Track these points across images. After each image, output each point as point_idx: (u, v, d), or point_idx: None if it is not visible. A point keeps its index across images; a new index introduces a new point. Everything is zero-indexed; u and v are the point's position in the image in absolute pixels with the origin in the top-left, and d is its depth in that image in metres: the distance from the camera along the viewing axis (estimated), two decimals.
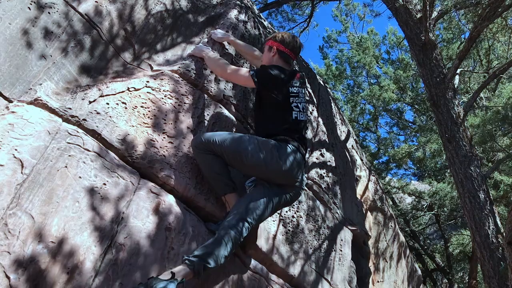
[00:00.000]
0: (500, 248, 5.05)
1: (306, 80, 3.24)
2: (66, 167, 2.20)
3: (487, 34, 7.52)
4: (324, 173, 4.17)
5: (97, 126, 2.45)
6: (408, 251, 7.24)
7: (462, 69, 7.91)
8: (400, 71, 12.38)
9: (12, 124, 2.17)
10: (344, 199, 4.54)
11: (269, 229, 3.25)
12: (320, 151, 4.27)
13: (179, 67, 3.06)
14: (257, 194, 2.73)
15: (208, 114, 3.08)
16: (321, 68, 14.33)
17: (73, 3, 2.77)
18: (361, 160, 5.97)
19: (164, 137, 2.73)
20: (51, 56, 2.60)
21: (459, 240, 12.16)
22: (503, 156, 8.45)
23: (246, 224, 2.58)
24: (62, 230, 2.05)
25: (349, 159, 5.20)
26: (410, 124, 13.44)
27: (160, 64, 3.15)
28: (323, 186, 4.07)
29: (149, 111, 2.73)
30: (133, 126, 2.61)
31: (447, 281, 12.91)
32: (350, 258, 4.27)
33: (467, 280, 11.57)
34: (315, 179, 4.01)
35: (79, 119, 2.41)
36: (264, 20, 4.45)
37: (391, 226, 6.46)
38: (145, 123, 2.68)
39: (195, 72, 3.11)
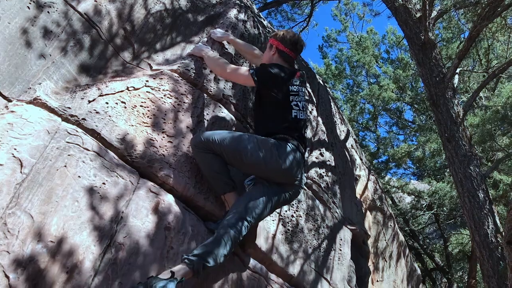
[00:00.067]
0: (499, 247, 5.05)
1: (306, 79, 3.23)
2: (65, 166, 2.20)
3: (486, 34, 7.51)
4: (323, 172, 4.17)
5: (97, 126, 2.45)
6: (407, 251, 7.25)
7: (461, 68, 7.92)
8: (399, 71, 12.38)
9: (11, 123, 2.17)
10: (344, 198, 4.54)
11: (269, 229, 3.25)
12: (320, 150, 4.27)
13: (179, 66, 3.06)
14: (256, 193, 2.73)
15: (207, 114, 3.08)
16: (321, 68, 14.33)
17: (72, 3, 2.76)
18: (361, 159, 5.97)
19: (163, 137, 2.73)
20: (50, 55, 2.60)
21: (458, 240, 12.18)
22: (502, 156, 8.46)
23: (246, 223, 2.58)
24: (61, 230, 2.05)
25: (349, 158, 5.20)
26: (409, 123, 13.45)
27: (159, 63, 3.15)
28: (322, 185, 4.07)
29: (148, 111, 2.73)
30: (132, 125, 2.61)
31: (446, 281, 12.93)
32: (350, 257, 4.27)
33: (466, 280, 11.59)
34: (314, 178, 4.01)
35: (79, 118, 2.41)
36: (264, 20, 4.45)
37: (391, 225, 6.46)
38: (144, 123, 2.68)
39: (194, 71, 3.11)
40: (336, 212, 4.20)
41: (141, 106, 2.71)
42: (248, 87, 3.55)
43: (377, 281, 5.79)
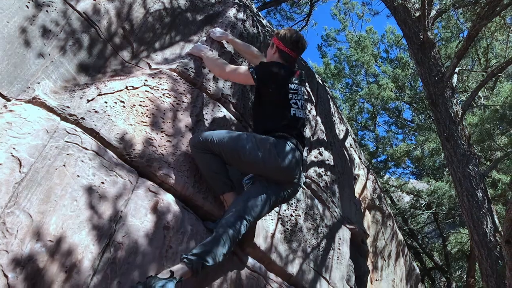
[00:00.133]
0: (498, 246, 5.06)
1: (305, 78, 3.24)
2: (64, 165, 2.20)
3: (485, 33, 7.52)
4: (322, 171, 4.17)
5: (95, 125, 2.45)
6: (406, 250, 7.26)
7: (460, 68, 7.92)
8: (398, 70, 12.39)
9: (10, 122, 2.17)
10: (343, 197, 4.55)
11: (268, 228, 3.25)
12: (319, 149, 4.27)
13: (178, 65, 3.06)
14: (255, 191, 2.73)
15: (206, 113, 3.08)
16: (320, 67, 14.33)
17: (71, 2, 2.76)
18: (360, 158, 5.97)
19: (162, 136, 2.73)
20: (49, 54, 2.59)
21: (457, 239, 12.19)
22: (501, 155, 8.47)
23: (244, 222, 2.58)
24: (60, 229, 2.05)
25: (348, 157, 5.20)
26: (408, 122, 13.45)
27: (158, 62, 3.15)
28: (321, 184, 4.07)
29: (147, 110, 2.72)
30: (131, 124, 2.61)
31: (445, 280, 12.95)
32: (349, 256, 4.28)
33: (465, 279, 11.60)
34: (313, 177, 4.02)
35: (77, 117, 2.41)
36: (263, 19, 4.45)
37: (390, 224, 6.47)
38: (143, 122, 2.68)
39: (193, 70, 3.11)
40: (335, 211, 4.20)
41: (140, 105, 2.70)
42: (247, 86, 3.55)
43: (376, 280, 5.80)
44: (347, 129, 5.63)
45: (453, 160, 5.64)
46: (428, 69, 5.98)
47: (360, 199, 5.50)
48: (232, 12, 3.67)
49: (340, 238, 4.13)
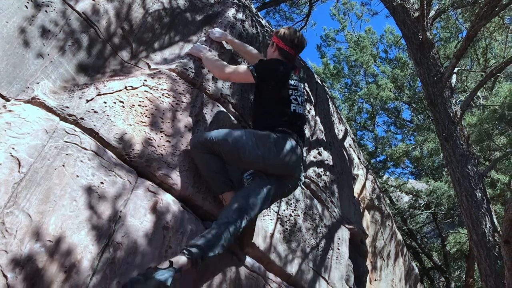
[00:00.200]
0: (497, 246, 5.06)
1: (305, 76, 3.27)
2: (63, 165, 2.20)
3: (484, 33, 7.53)
4: (321, 171, 4.17)
5: (95, 125, 2.45)
6: (405, 250, 7.26)
7: (459, 68, 7.93)
8: (397, 70, 12.39)
9: (9, 122, 2.17)
10: (342, 197, 4.55)
11: (267, 228, 3.25)
12: (318, 149, 4.28)
13: (177, 65, 3.06)
14: (255, 186, 2.75)
15: (206, 113, 3.08)
16: (319, 67, 14.33)
17: (70, 2, 2.76)
18: (359, 158, 5.97)
19: (161, 136, 2.73)
20: (48, 54, 2.59)
21: (456, 239, 12.19)
22: (500, 155, 8.48)
23: (245, 216, 2.60)
24: (59, 229, 2.05)
25: (347, 157, 5.20)
26: (407, 123, 13.46)
27: (157, 62, 3.15)
28: (320, 184, 4.07)
29: (146, 110, 2.72)
30: (130, 125, 2.61)
31: (444, 280, 12.96)
32: (348, 256, 4.28)
33: (464, 279, 11.61)
34: (312, 177, 4.02)
35: (77, 117, 2.41)
36: (262, 19, 4.45)
37: (389, 224, 6.47)
38: (142, 122, 2.68)
39: (193, 70, 3.11)
40: (334, 211, 4.20)
41: (139, 105, 2.70)
42: (246, 86, 3.55)
43: (375, 280, 5.80)
44: (346, 129, 5.64)
45: (452, 160, 5.65)
46: (427, 69, 5.99)
47: (359, 199, 5.51)
48: (231, 12, 3.67)
49: (339, 238, 4.13)
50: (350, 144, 5.64)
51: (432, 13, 6.23)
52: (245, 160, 2.76)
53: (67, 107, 2.42)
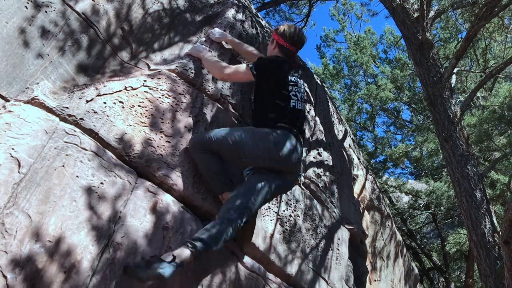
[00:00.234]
0: (497, 247, 5.07)
1: (305, 72, 3.29)
2: (63, 166, 2.20)
3: (484, 34, 7.53)
4: (321, 172, 4.17)
5: (94, 125, 2.45)
6: (405, 250, 7.26)
7: (459, 68, 7.93)
8: (397, 71, 12.40)
9: (9, 123, 2.17)
10: (341, 198, 4.55)
11: (267, 228, 3.25)
12: (318, 150, 4.28)
13: (177, 66, 3.06)
14: (256, 180, 2.77)
15: (205, 114, 3.08)
16: (319, 68, 14.33)
17: (70, 2, 2.76)
18: (358, 159, 5.97)
19: (161, 136, 2.73)
20: (48, 55, 2.59)
21: (455, 239, 12.20)
22: (499, 156, 8.48)
23: (246, 210, 2.62)
24: (59, 230, 2.05)
25: (346, 158, 5.20)
26: (407, 123, 13.46)
27: (157, 63, 3.15)
28: (320, 185, 4.07)
29: (146, 110, 2.72)
30: (130, 125, 2.61)
31: (444, 280, 12.96)
32: (347, 257, 4.28)
33: (463, 279, 11.61)
34: (312, 178, 4.02)
35: (76, 118, 2.41)
36: (262, 20, 4.45)
37: (388, 225, 6.47)
38: (142, 122, 2.68)
39: (192, 71, 3.11)
40: (334, 211, 4.20)
41: (139, 106, 2.70)
42: (246, 87, 3.55)
43: (375, 280, 5.80)
44: (346, 130, 5.64)
45: (452, 160, 5.65)
46: (426, 70, 5.99)
47: (359, 199, 5.51)
48: (231, 13, 3.67)
49: (339, 239, 4.13)
50: (349, 145, 5.65)
51: (431, 13, 6.24)
52: (245, 158, 2.78)
53: (67, 107, 2.42)
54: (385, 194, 11.70)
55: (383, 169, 13.03)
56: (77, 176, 2.23)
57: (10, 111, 2.23)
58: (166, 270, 2.16)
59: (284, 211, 3.49)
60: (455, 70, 6.19)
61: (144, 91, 2.77)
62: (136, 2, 3.17)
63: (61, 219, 2.08)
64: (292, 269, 3.37)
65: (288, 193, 3.57)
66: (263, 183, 2.75)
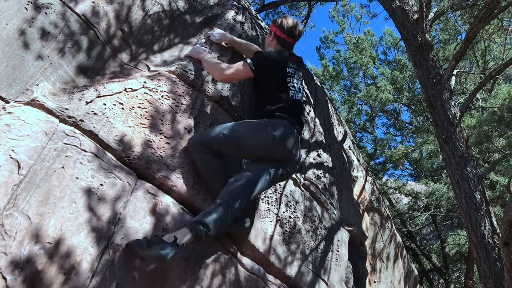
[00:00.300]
0: (496, 248, 5.06)
1: (303, 64, 3.34)
2: (63, 167, 2.20)
3: (483, 35, 7.55)
4: (321, 173, 4.17)
5: (94, 127, 2.45)
6: (404, 252, 7.26)
7: (458, 70, 7.95)
8: (396, 72, 12.40)
9: (9, 124, 2.17)
10: (341, 199, 4.55)
11: (266, 230, 3.25)
12: (317, 151, 4.28)
13: (176, 67, 3.06)
14: (255, 168, 2.82)
15: (205, 115, 3.09)
16: (318, 69, 14.34)
17: (70, 4, 2.76)
18: (358, 160, 5.98)
19: (161, 138, 2.73)
20: (48, 56, 2.59)
21: (455, 241, 12.20)
22: (499, 157, 8.48)
23: (246, 196, 2.66)
24: (59, 231, 2.05)
25: (346, 159, 5.21)
26: (406, 125, 13.47)
27: (157, 64, 3.15)
28: (320, 186, 4.07)
29: (146, 112, 2.73)
30: (130, 126, 2.61)
31: (443, 281, 12.95)
32: (347, 258, 4.28)
33: (463, 280, 11.60)
34: (312, 179, 4.02)
35: (76, 119, 2.41)
36: (261, 21, 4.46)
37: (388, 226, 6.47)
38: (142, 124, 2.68)
39: (192, 73, 3.11)
40: (334, 213, 4.20)
41: (138, 107, 2.71)
42: (246, 88, 3.56)
43: (375, 282, 5.80)
44: (345, 131, 5.64)
45: (451, 162, 5.65)
46: (426, 71, 6.00)
47: (359, 201, 5.51)
48: (230, 14, 3.67)
49: (338, 240, 4.13)
50: (349, 146, 5.65)
51: (431, 15, 6.24)
52: (245, 149, 2.83)
53: (67, 109, 2.42)
54: (385, 196, 11.70)
55: (383, 170, 13.03)
56: (76, 178, 2.23)
57: (10, 113, 2.23)
58: (167, 251, 2.18)
59: (283, 212, 3.49)
60: (454, 72, 6.21)
61: (144, 93, 2.77)
62: (136, 4, 3.17)
63: (61, 220, 2.08)
64: (292, 270, 3.37)
65: (288, 194, 3.57)
66: (262, 170, 2.80)
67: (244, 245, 3.04)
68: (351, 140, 5.98)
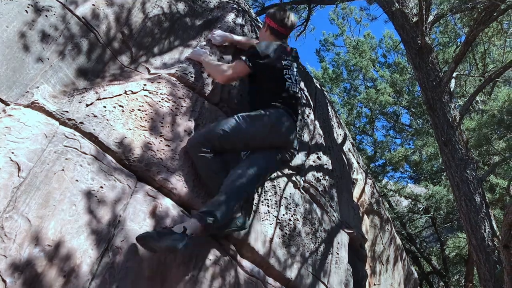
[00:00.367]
0: (496, 251, 5.06)
1: (298, 56, 3.36)
2: (63, 170, 2.20)
3: (482, 38, 7.55)
4: (321, 176, 4.17)
5: (94, 129, 2.45)
6: (404, 254, 7.25)
7: (458, 72, 7.95)
8: (396, 75, 12.41)
9: (9, 127, 2.17)
10: (341, 202, 4.55)
11: (266, 232, 3.25)
12: (317, 154, 4.28)
13: (177, 70, 3.07)
14: (254, 157, 2.88)
15: (205, 117, 3.09)
16: (318, 71, 14.36)
17: (70, 6, 2.77)
18: (358, 163, 5.98)
19: (161, 140, 2.73)
20: (48, 59, 2.60)
21: (455, 243, 12.18)
22: (498, 160, 8.48)
23: (249, 184, 2.72)
24: (58, 234, 2.05)
25: (346, 162, 5.21)
26: (406, 127, 13.47)
27: (157, 67, 3.16)
28: (319, 189, 4.07)
29: (146, 114, 2.73)
30: (130, 129, 2.61)
31: (443, 284, 12.93)
32: (347, 261, 4.27)
33: (463, 283, 11.58)
34: (312, 182, 4.02)
35: (76, 122, 2.41)
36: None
37: (388, 229, 6.47)
38: (142, 126, 2.68)
39: (192, 75, 3.12)
40: (334, 215, 4.20)
41: (139, 110, 2.71)
42: (246, 88, 3.57)
43: (374, 284, 5.79)
44: (345, 134, 5.64)
45: (451, 164, 5.65)
46: (426, 74, 6.00)
47: (359, 203, 5.51)
48: (230, 17, 3.68)
49: (338, 243, 4.13)
50: (349, 149, 5.65)
51: (430, 18, 6.24)
52: (246, 141, 2.88)
53: (67, 111, 2.43)
54: (385, 198, 11.69)
55: (383, 173, 13.03)
56: (76, 180, 2.23)
57: (10, 115, 2.23)
58: (178, 242, 2.22)
59: (283, 215, 3.49)
60: (454, 74, 6.21)
61: (144, 95, 2.78)
62: (136, 7, 3.18)
63: (61, 223, 2.08)
64: (292, 273, 3.36)
65: (288, 197, 3.57)
66: (262, 159, 2.87)
67: (244, 248, 3.04)
68: (351, 142, 5.98)
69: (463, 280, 11.63)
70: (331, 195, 4.30)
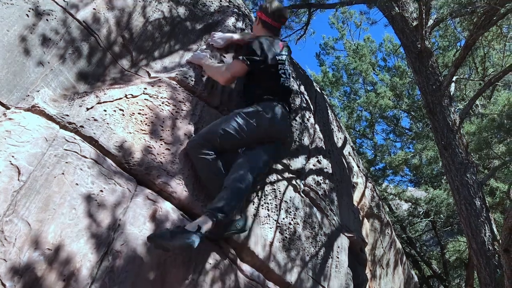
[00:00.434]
0: (497, 255, 5.05)
1: (290, 49, 3.41)
2: (63, 174, 2.20)
3: (482, 42, 7.57)
4: (321, 179, 4.17)
5: (95, 133, 2.45)
6: (404, 258, 7.24)
7: (458, 76, 7.96)
8: (396, 78, 12.43)
9: (9, 131, 2.17)
10: (341, 206, 4.54)
11: (266, 236, 3.25)
12: (317, 157, 4.28)
13: (177, 74, 3.07)
14: (252, 152, 2.94)
15: (205, 121, 3.09)
16: (318, 75, 14.37)
17: (71, 10, 2.78)
18: (358, 167, 5.98)
19: (161, 144, 2.73)
20: (48, 63, 2.60)
21: (455, 247, 12.17)
22: (499, 163, 8.48)
23: (251, 177, 2.78)
24: (58, 237, 2.05)
25: (346, 165, 5.21)
26: (406, 131, 13.48)
27: (157, 71, 3.16)
28: (320, 192, 4.07)
29: (146, 118, 2.73)
30: (130, 133, 2.61)
31: None
32: (347, 265, 4.26)
33: (463, 287, 11.56)
34: (312, 185, 4.01)
35: (77, 126, 2.42)
36: None
37: (388, 233, 6.46)
38: (142, 130, 2.68)
39: (192, 79, 3.12)
40: (334, 219, 4.20)
41: (139, 113, 2.71)
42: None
43: None
44: (345, 137, 5.64)
45: (451, 168, 5.65)
46: (425, 78, 6.01)
47: (359, 207, 5.50)
48: (231, 21, 3.69)
49: (338, 247, 4.12)
50: (349, 152, 5.65)
51: (430, 22, 6.25)
52: (245, 138, 2.91)
53: (67, 115, 2.43)
54: (385, 202, 11.69)
55: (383, 176, 13.02)
56: (76, 184, 2.23)
57: (10, 119, 2.24)
58: (193, 240, 2.26)
59: (283, 219, 3.48)
60: (454, 78, 6.21)
61: (144, 99, 2.78)
62: (136, 11, 3.19)
63: (61, 227, 2.08)
64: (292, 277, 3.36)
65: (288, 200, 3.57)
66: (262, 152, 2.95)
67: (244, 252, 3.04)
68: (351, 146, 5.98)
69: (464, 284, 11.61)
70: (331, 198, 4.30)
